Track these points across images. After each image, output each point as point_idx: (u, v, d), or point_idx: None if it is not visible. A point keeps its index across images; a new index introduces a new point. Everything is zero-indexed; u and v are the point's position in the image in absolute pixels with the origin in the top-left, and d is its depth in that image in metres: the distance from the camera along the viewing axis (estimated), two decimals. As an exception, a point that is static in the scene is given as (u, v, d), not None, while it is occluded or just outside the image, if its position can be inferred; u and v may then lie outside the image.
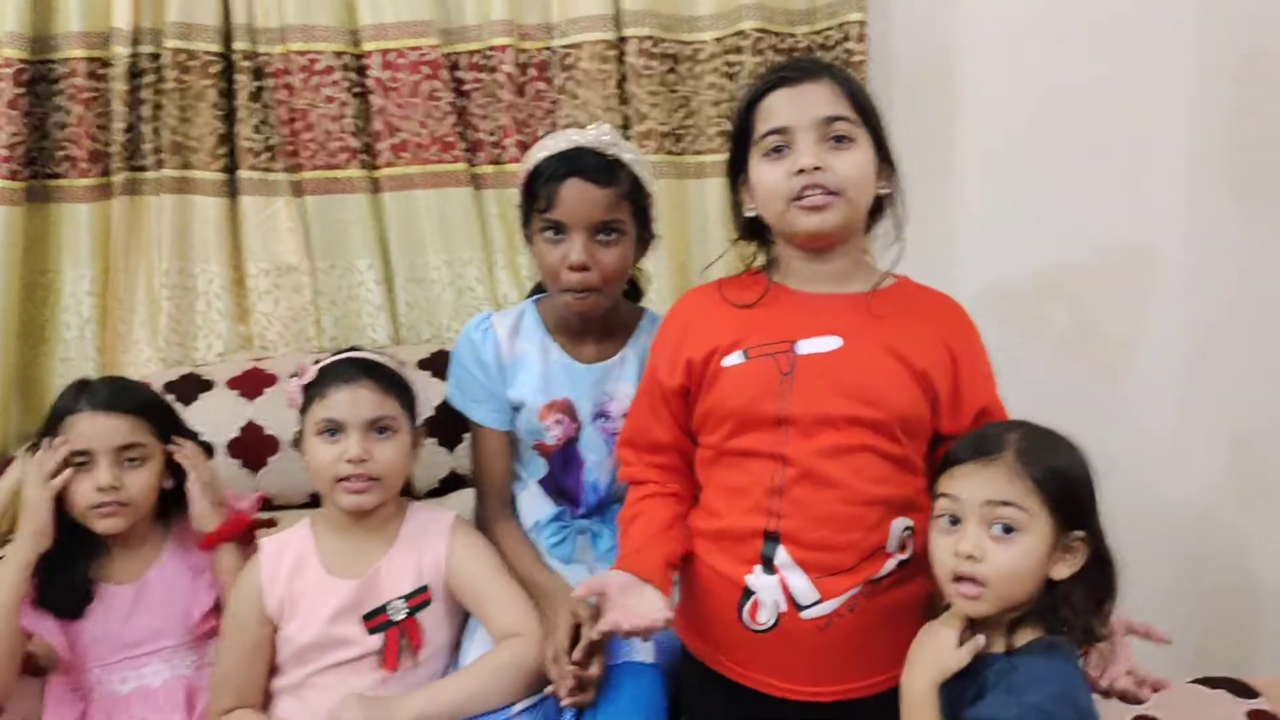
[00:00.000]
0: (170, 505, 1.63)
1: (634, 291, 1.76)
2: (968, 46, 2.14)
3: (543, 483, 1.70)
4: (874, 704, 1.24)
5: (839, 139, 1.29)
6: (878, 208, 1.38)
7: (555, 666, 1.40)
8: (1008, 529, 1.12)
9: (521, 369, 1.66)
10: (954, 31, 2.13)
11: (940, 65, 2.15)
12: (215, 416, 1.88)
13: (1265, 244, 2.10)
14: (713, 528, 1.34)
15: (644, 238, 1.63)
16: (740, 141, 1.36)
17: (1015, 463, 1.13)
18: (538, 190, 1.55)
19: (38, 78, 2.00)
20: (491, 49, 2.05)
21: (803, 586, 1.26)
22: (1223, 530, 2.21)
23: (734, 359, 1.32)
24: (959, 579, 1.13)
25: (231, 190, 2.07)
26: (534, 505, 1.70)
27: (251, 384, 1.95)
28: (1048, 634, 1.13)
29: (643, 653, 1.48)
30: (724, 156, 1.47)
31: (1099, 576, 1.14)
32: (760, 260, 1.45)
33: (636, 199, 1.58)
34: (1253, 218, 2.10)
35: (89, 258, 2.06)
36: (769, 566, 1.28)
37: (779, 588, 1.27)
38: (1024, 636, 1.14)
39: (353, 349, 1.63)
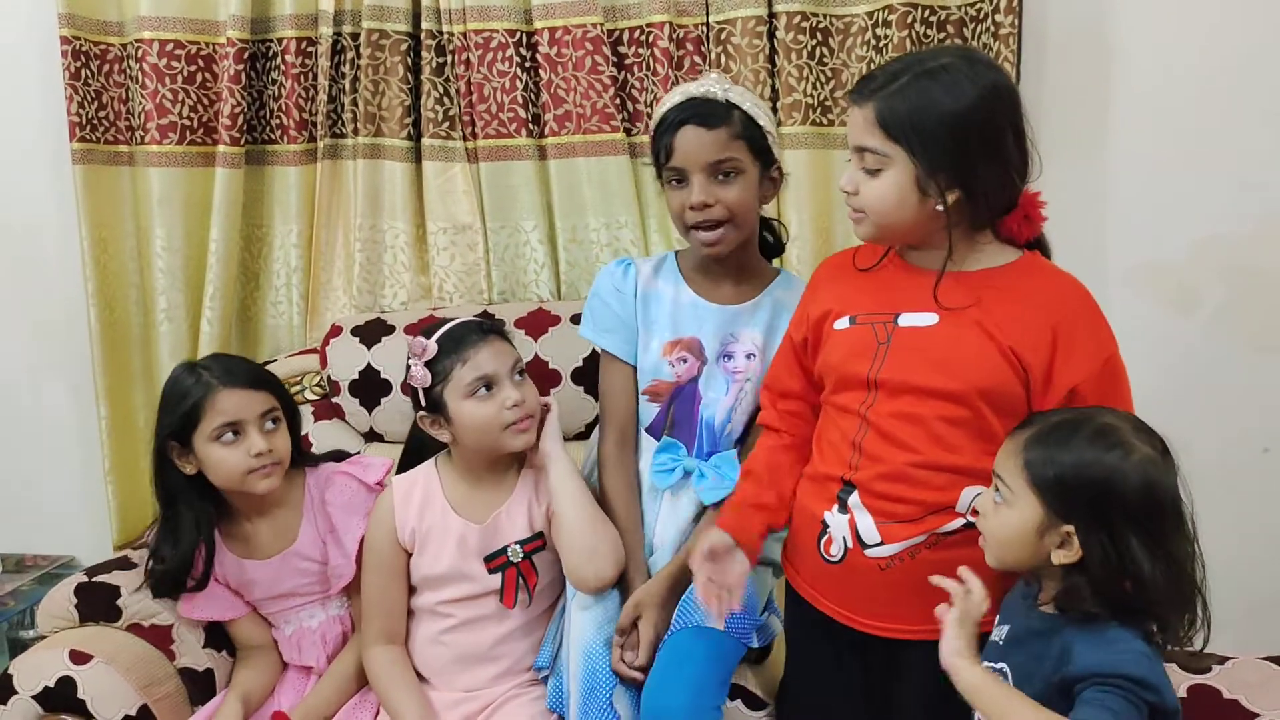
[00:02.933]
0: (294, 455, 1.80)
1: (776, 245, 1.85)
2: (1125, 14, 2.11)
3: (650, 429, 1.76)
4: (928, 649, 1.34)
5: (871, 170, 1.37)
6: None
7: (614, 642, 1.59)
8: (997, 500, 1.25)
9: (655, 304, 1.75)
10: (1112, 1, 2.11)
11: (1095, 35, 2.12)
12: (392, 357, 2.12)
13: None
14: (810, 470, 1.51)
15: (769, 176, 1.68)
16: None
17: (1020, 445, 1.23)
18: (659, 145, 1.66)
19: (256, 55, 2.29)
20: (650, 25, 2.19)
21: (868, 528, 1.40)
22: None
23: (843, 323, 1.46)
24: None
25: (416, 156, 2.30)
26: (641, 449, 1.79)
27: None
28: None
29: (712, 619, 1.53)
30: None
31: (1105, 577, 1.17)
32: None
33: (751, 137, 1.63)
34: None
35: (296, 214, 2.35)
36: (843, 507, 1.42)
37: (848, 526, 1.41)
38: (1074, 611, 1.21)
39: (452, 319, 1.77)
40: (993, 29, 2.06)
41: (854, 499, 1.41)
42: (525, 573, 1.70)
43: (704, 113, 1.61)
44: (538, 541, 1.71)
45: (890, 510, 1.39)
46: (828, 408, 1.51)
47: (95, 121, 2.31)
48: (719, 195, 1.62)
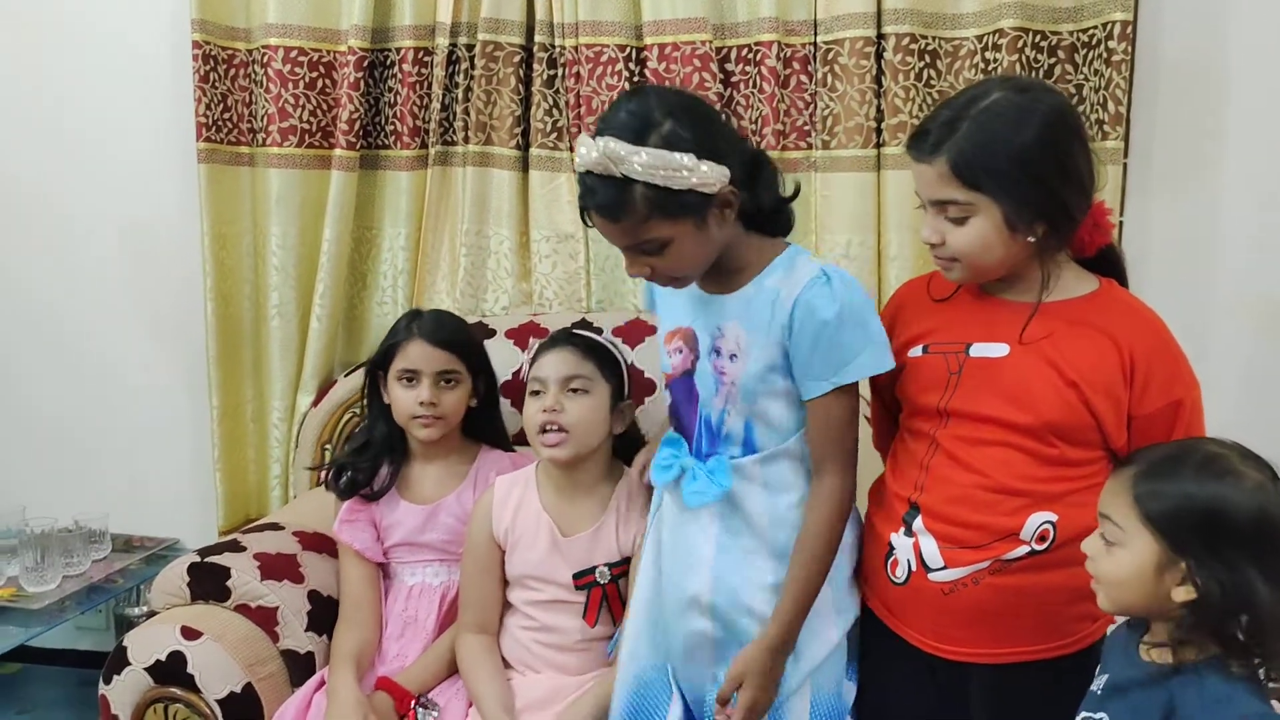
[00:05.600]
0: (480, 426, 1.99)
1: (785, 220, 1.52)
2: (1239, 43, 2.09)
3: (670, 414, 1.62)
4: (991, 673, 1.35)
5: (956, 219, 1.36)
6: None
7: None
8: (1108, 541, 1.20)
9: (669, 292, 1.54)
10: (1227, 31, 2.09)
11: (1208, 64, 2.11)
12: (494, 361, 2.17)
13: None
14: (880, 488, 1.53)
15: (715, 210, 1.38)
16: None
17: (1127, 482, 1.19)
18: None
19: (374, 64, 2.37)
20: (758, 44, 2.21)
21: (931, 552, 1.41)
22: None
23: (916, 352, 1.47)
24: None
25: (523, 165, 2.36)
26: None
27: (525, 335, 2.23)
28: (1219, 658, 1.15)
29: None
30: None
31: (1223, 612, 1.13)
32: None
33: (666, 205, 1.34)
34: None
35: (405, 218, 2.42)
36: (908, 530, 1.43)
37: (912, 549, 1.42)
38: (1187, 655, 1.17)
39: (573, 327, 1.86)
40: (1105, 55, 2.05)
41: (918, 523, 1.42)
42: (610, 595, 1.74)
43: (602, 203, 1.36)
44: (624, 567, 1.74)
45: (954, 535, 1.39)
46: (903, 430, 1.52)
47: (219, 123, 2.41)
48: (657, 266, 1.40)
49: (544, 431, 1.70)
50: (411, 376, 1.87)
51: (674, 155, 1.32)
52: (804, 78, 2.22)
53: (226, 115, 2.43)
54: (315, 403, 2.38)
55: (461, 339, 1.94)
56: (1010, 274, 1.41)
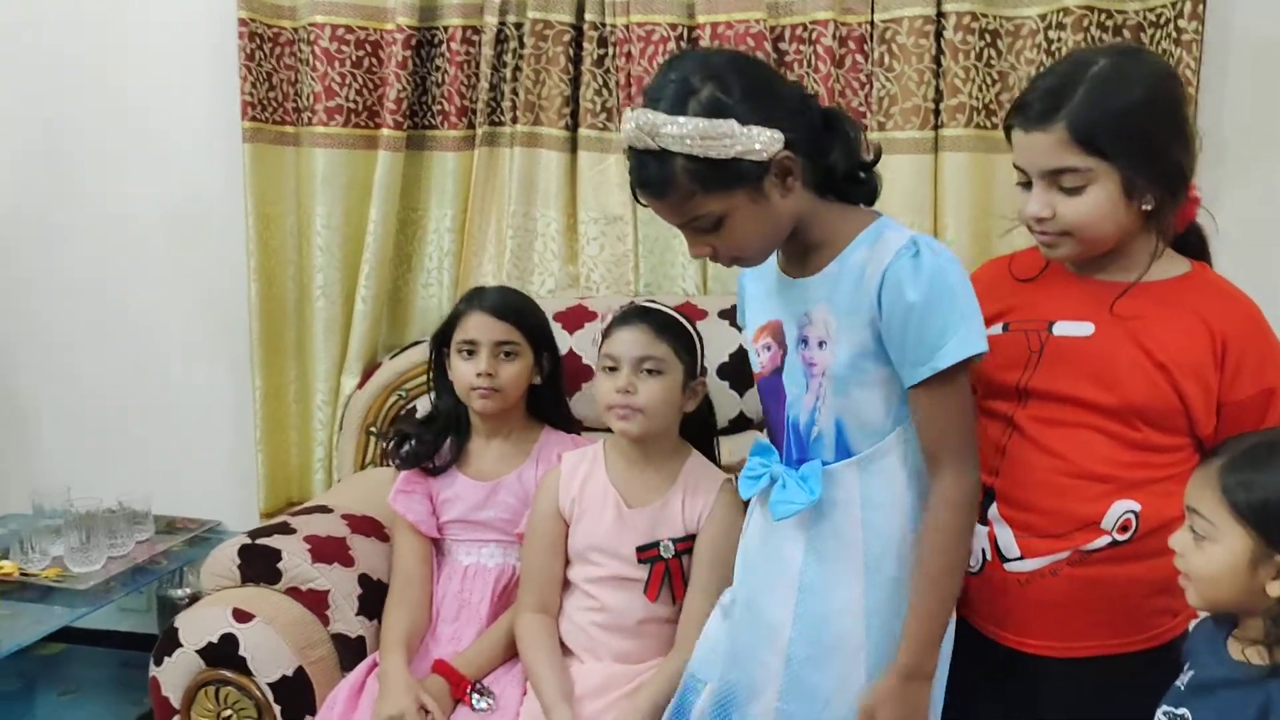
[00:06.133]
0: (545, 405, 1.98)
1: (868, 186, 1.40)
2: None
3: (762, 423, 1.63)
4: (1065, 667, 1.31)
5: (1070, 189, 1.31)
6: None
7: None
8: (1197, 535, 1.16)
9: (749, 281, 1.52)
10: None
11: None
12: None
13: None
14: None
15: (773, 176, 1.28)
16: None
17: (1215, 473, 1.15)
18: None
19: (421, 43, 2.34)
20: (814, 22, 2.17)
21: (1008, 541, 1.36)
22: None
23: (995, 330, 1.41)
24: None
25: (572, 146, 2.32)
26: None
27: (574, 318, 2.20)
28: None
29: None
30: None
31: None
32: None
33: (707, 177, 1.25)
34: None
35: (451, 199, 2.39)
36: (982, 517, 1.37)
37: (986, 537, 1.38)
38: None
39: (649, 300, 1.82)
40: (1174, 35, 1.99)
41: (993, 510, 1.38)
42: (673, 571, 1.70)
43: (644, 180, 1.28)
44: (688, 544, 1.71)
45: (1029, 522, 1.35)
46: (978, 411, 1.45)
47: (265, 102, 2.39)
48: (718, 245, 1.32)
49: (616, 409, 1.68)
50: (471, 348, 1.86)
51: (714, 123, 1.22)
52: (860, 57, 2.18)
53: (272, 94, 2.40)
54: (360, 385, 2.36)
55: (522, 311, 1.93)
56: (1115, 248, 1.36)
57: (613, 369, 1.68)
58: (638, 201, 1.35)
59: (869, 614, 1.35)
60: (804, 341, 1.37)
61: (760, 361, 1.45)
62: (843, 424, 1.35)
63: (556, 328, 2.19)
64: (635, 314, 1.73)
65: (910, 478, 1.35)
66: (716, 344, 2.06)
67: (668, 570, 1.70)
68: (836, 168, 1.35)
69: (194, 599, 2.54)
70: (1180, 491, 1.19)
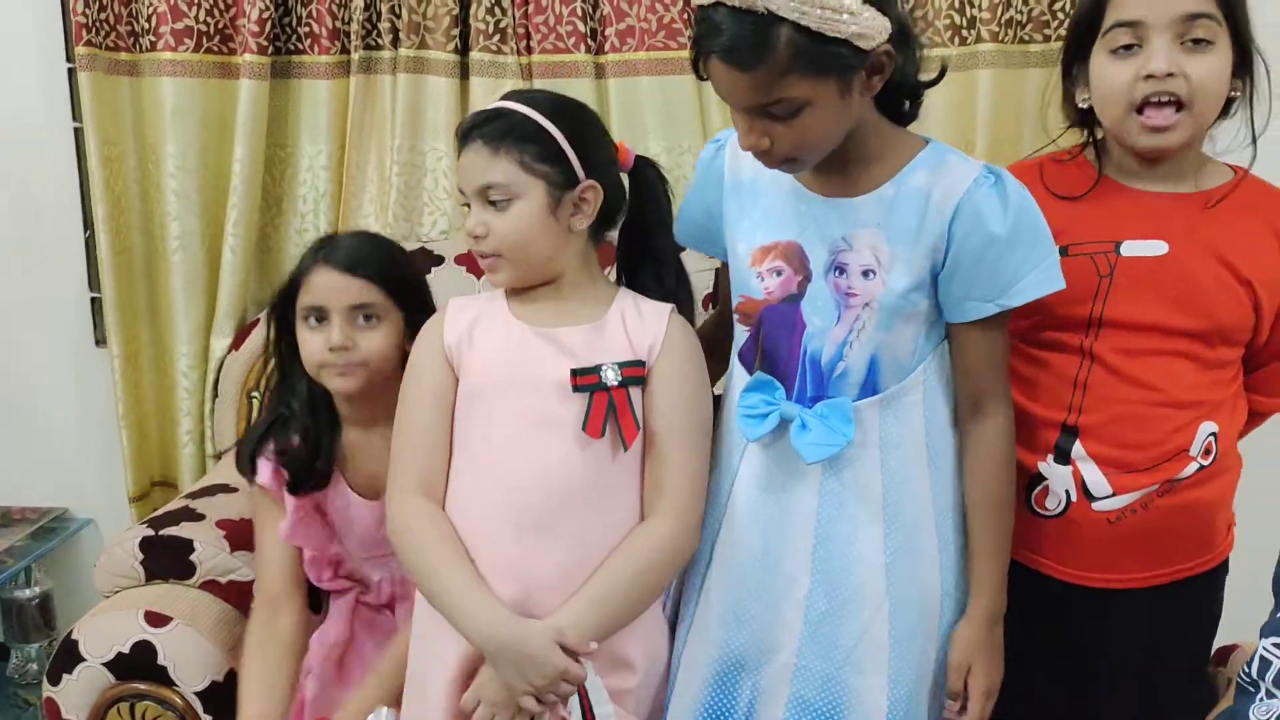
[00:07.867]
0: None
1: (911, 109, 1.28)
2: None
3: (741, 356, 1.36)
4: (1148, 595, 1.28)
5: (1198, 41, 1.22)
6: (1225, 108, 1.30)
7: None
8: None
9: (746, 194, 1.33)
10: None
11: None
12: (447, 290, 1.94)
13: None
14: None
15: (868, 70, 1.16)
16: (1083, 27, 1.29)
17: None
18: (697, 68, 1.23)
19: (286, -45, 2.07)
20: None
21: (1097, 480, 1.30)
22: None
23: None
24: None
25: (463, 71, 2.12)
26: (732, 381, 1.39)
27: (474, 261, 1.99)
28: None
29: None
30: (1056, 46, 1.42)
31: None
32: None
33: (812, 57, 1.12)
34: None
35: (325, 134, 2.15)
36: (1063, 458, 1.31)
37: (1071, 478, 1.31)
38: None
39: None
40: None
41: (1077, 449, 1.31)
42: (619, 406, 1.28)
43: (733, 45, 1.11)
44: (638, 370, 1.31)
45: (1121, 459, 1.29)
46: (1034, 347, 1.34)
47: (96, 25, 2.06)
48: (780, 138, 1.17)
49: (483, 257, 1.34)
50: (319, 314, 1.47)
51: None
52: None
53: (103, 15, 2.08)
54: (235, 346, 2.11)
55: (383, 265, 1.51)
56: (1184, 147, 1.28)
57: (465, 205, 1.37)
58: (698, 75, 1.18)
59: (890, 562, 1.28)
60: (838, 269, 1.25)
61: (765, 287, 1.30)
62: (877, 359, 1.25)
63: (460, 272, 2.02)
64: (468, 132, 1.33)
65: (926, 418, 1.28)
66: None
67: (612, 403, 1.28)
68: (907, 81, 1.22)
69: (44, 599, 2.27)
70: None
